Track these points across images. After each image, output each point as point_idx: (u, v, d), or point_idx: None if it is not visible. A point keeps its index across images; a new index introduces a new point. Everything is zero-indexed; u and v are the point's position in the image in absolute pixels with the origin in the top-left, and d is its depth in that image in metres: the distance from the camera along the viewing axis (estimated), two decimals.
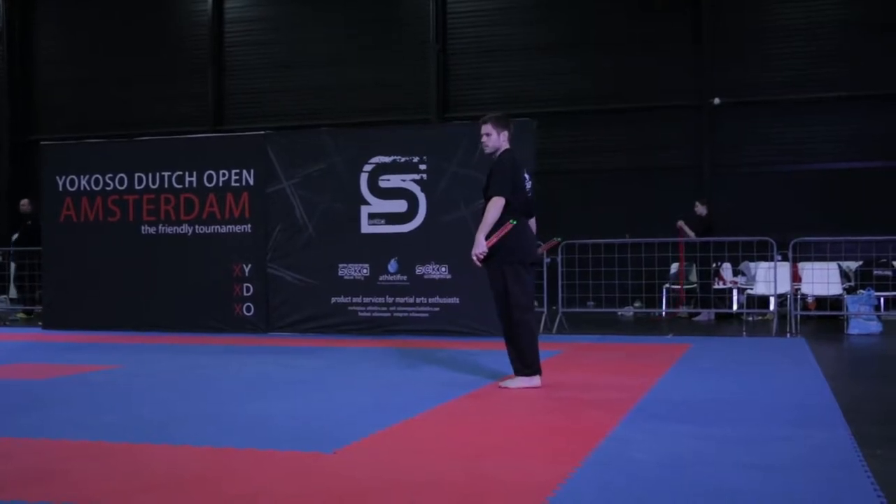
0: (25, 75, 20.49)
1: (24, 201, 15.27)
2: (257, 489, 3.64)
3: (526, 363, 6.35)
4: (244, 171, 11.42)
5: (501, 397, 6.12)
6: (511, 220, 6.27)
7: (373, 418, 5.17)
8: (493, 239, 6.27)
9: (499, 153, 6.50)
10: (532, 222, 6.64)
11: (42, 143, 13.07)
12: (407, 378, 7.18)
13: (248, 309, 11.32)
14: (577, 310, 12.42)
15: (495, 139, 6.50)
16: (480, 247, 6.27)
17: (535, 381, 6.36)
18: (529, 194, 6.54)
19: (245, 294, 11.32)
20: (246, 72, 19.09)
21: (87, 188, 12.00)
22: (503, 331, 6.42)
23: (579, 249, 12.31)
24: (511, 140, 6.57)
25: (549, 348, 9.24)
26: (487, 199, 6.32)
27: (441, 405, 5.72)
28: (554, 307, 12.03)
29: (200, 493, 3.58)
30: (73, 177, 12.05)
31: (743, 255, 13.15)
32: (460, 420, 5.29)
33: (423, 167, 10.87)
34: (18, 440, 4.69)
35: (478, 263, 6.37)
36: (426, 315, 10.77)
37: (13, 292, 14.89)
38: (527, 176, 6.55)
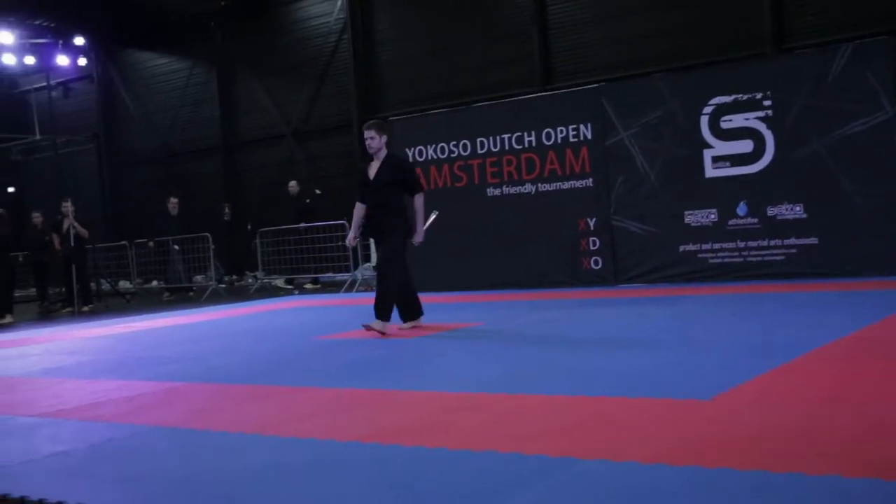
0: (368, 57, 21.93)
1: (293, 183, 16.86)
2: (636, 435, 3.63)
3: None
4: (581, 126, 11.46)
5: (883, 341, 5.68)
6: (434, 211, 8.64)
7: (745, 365, 4.99)
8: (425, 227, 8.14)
9: (387, 154, 7.94)
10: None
11: (391, 118, 13.93)
12: (771, 323, 6.88)
13: (596, 262, 11.39)
14: None
15: (378, 141, 7.85)
16: (422, 236, 8.07)
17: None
18: None
19: (592, 248, 11.40)
20: (570, 28, 19.09)
21: (434, 157, 12.64)
22: None
23: None
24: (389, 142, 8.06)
25: None
26: (411, 194, 7.93)
27: (816, 349, 5.40)
28: None
29: (573, 440, 3.64)
30: (421, 147, 12.75)
31: None
32: (840, 364, 4.96)
33: (767, 103, 10.31)
34: (404, 392, 5.04)
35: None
36: (782, 258, 10.24)
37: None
38: None
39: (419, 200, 7.95)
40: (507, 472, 3.28)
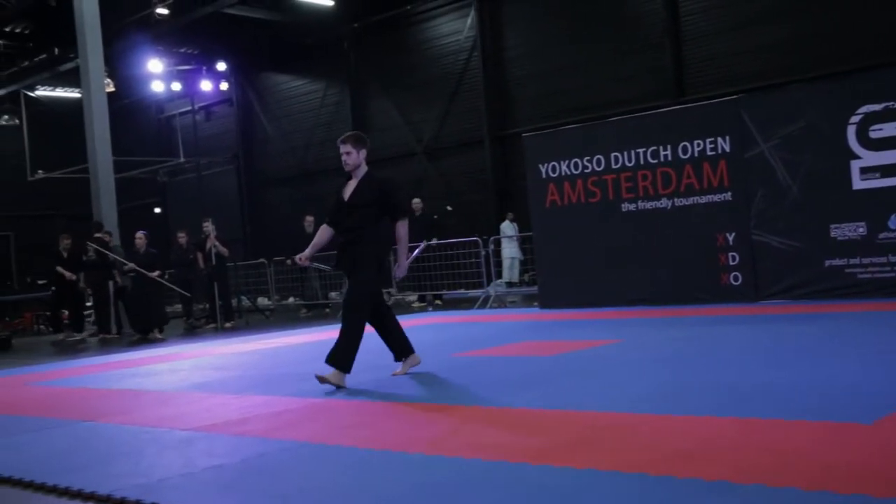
0: (498, 73, 22.04)
1: (416, 200, 16.71)
2: (795, 459, 3.49)
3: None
4: (719, 139, 11.17)
5: None
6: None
7: None
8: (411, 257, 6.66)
9: (367, 173, 6.85)
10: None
11: (524, 134, 13.92)
12: None
13: (736, 278, 11.06)
14: None
15: (355, 157, 6.77)
16: (405, 271, 7.12)
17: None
18: None
19: (731, 263, 11.08)
20: (704, 38, 18.73)
21: (568, 172, 12.54)
22: None
23: None
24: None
25: None
26: (393, 220, 6.84)
27: None
28: None
29: (727, 462, 3.53)
30: (554, 163, 12.68)
31: None
32: None
33: None
34: (547, 411, 4.99)
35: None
36: None
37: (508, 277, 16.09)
38: None
39: (402, 228, 6.85)
40: (660, 495, 3.20)
